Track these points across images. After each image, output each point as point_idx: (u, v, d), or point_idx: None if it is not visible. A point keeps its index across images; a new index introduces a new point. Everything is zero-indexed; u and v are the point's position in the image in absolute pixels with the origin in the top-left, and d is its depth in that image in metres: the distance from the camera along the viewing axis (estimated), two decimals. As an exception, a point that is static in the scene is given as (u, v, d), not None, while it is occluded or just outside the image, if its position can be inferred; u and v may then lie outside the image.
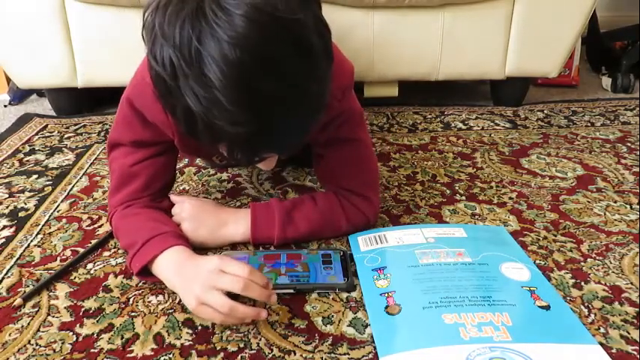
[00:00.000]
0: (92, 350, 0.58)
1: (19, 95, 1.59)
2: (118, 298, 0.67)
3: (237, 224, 0.76)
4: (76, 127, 1.34)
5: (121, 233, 0.73)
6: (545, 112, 1.45)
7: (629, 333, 0.60)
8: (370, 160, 0.82)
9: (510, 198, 0.93)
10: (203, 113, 0.50)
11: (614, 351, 0.57)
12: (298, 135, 0.57)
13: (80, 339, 0.60)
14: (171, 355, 0.57)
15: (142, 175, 0.75)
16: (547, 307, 0.62)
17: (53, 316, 0.63)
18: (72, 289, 0.68)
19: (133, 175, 0.75)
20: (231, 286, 0.58)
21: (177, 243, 0.66)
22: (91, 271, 0.72)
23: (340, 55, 0.72)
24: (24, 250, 0.77)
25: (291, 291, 0.67)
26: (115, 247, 0.78)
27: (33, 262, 0.74)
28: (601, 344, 0.58)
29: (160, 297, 0.66)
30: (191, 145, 0.72)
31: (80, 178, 1.02)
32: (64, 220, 0.86)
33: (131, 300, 0.66)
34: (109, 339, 0.60)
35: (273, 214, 0.75)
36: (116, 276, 0.71)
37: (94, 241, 0.78)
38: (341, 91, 0.71)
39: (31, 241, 0.80)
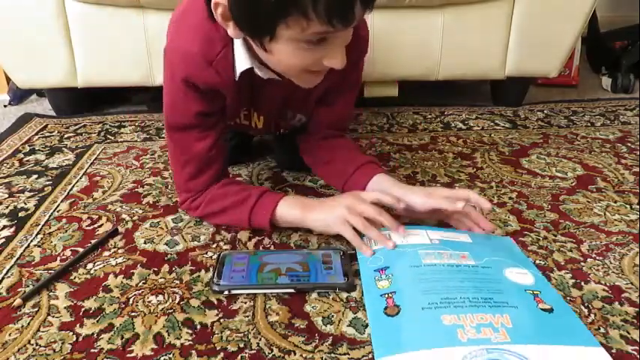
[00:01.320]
0: (92, 350, 0.58)
1: (19, 95, 1.59)
2: (118, 298, 0.66)
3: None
4: (76, 127, 1.34)
5: (225, 202, 0.79)
6: (545, 112, 1.45)
7: (629, 333, 0.60)
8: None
9: (510, 198, 0.93)
10: None
11: (614, 351, 0.57)
12: None
13: (80, 339, 0.60)
14: (171, 355, 0.57)
15: (219, 159, 0.81)
16: (550, 310, 0.61)
17: (53, 316, 0.63)
18: (72, 289, 0.68)
19: (213, 160, 0.80)
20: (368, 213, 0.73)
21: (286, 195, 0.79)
22: (91, 271, 0.72)
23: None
24: (24, 250, 0.77)
25: (292, 290, 0.67)
26: (114, 247, 0.78)
27: (33, 262, 0.74)
28: (601, 344, 0.58)
29: (160, 297, 0.66)
30: (236, 98, 0.79)
31: (80, 178, 1.02)
32: (64, 220, 0.86)
33: (131, 300, 0.66)
34: (109, 339, 0.60)
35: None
36: (116, 276, 0.71)
37: (93, 241, 0.78)
38: (362, 39, 0.82)
39: (31, 241, 0.80)
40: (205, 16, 0.68)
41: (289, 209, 0.77)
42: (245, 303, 0.65)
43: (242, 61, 0.73)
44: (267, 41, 0.63)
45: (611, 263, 0.73)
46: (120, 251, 0.77)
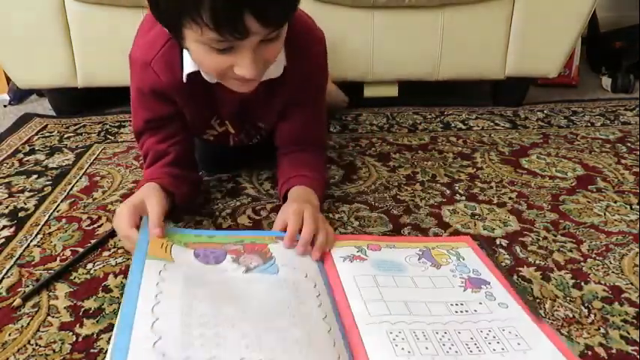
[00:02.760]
0: (92, 350, 0.58)
1: (19, 95, 1.59)
2: (118, 298, 0.66)
3: None
4: (76, 127, 1.34)
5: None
6: (545, 112, 1.45)
7: (629, 333, 0.60)
8: (324, 116, 0.93)
9: (510, 198, 0.93)
10: None
11: (614, 351, 0.57)
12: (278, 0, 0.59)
13: (80, 339, 0.60)
14: (171, 355, 0.57)
15: (171, 152, 0.82)
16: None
17: (53, 316, 0.63)
18: (72, 289, 0.68)
19: (164, 153, 0.82)
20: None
21: (150, 180, 0.78)
22: (91, 271, 0.72)
23: (311, 20, 0.83)
24: (24, 250, 0.77)
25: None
26: (114, 247, 0.78)
27: (33, 262, 0.74)
28: (601, 344, 0.58)
29: (160, 297, 0.66)
30: (191, 104, 0.80)
31: (80, 178, 1.02)
32: (64, 220, 0.86)
33: (131, 300, 0.66)
34: (109, 339, 0.59)
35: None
36: (116, 276, 0.71)
37: (93, 241, 0.78)
38: (312, 44, 0.80)
39: (31, 241, 0.80)
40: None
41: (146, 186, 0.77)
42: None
43: (189, 64, 0.73)
44: (181, 39, 0.64)
45: (611, 263, 0.73)
46: (120, 251, 0.77)
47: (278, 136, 0.91)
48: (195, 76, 0.75)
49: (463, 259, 0.72)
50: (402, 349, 0.53)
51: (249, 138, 0.94)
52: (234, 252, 0.67)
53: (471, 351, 0.54)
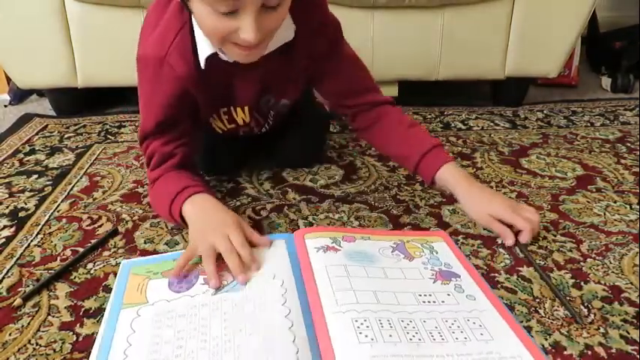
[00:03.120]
0: (92, 350, 0.58)
1: (19, 95, 1.59)
2: (118, 298, 0.66)
3: None
4: (76, 127, 1.34)
5: (157, 195, 0.81)
6: (545, 112, 1.45)
7: (629, 333, 0.60)
8: (361, 62, 0.90)
9: (510, 198, 0.93)
10: None
11: (613, 351, 0.57)
12: None
13: (80, 339, 0.60)
14: (171, 355, 0.57)
15: (178, 154, 0.80)
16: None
17: (53, 316, 0.63)
18: (72, 289, 0.68)
19: (169, 155, 0.79)
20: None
21: (197, 191, 0.75)
22: (91, 271, 0.72)
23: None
24: (24, 250, 0.77)
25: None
26: (114, 247, 0.78)
27: (33, 262, 0.74)
28: (601, 344, 0.58)
29: (160, 297, 0.66)
30: (206, 92, 0.78)
31: (80, 178, 1.02)
32: (64, 220, 0.86)
33: (131, 300, 0.66)
34: (109, 339, 0.60)
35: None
36: (116, 276, 0.71)
37: (93, 241, 0.78)
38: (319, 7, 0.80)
39: (31, 241, 0.80)
40: (162, 5, 0.71)
41: (191, 208, 0.74)
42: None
43: (204, 48, 0.73)
44: (187, 1, 0.65)
45: (610, 263, 0.73)
46: (120, 251, 0.77)
47: (328, 95, 0.91)
48: (213, 61, 0.74)
49: (436, 253, 0.74)
50: (366, 336, 0.55)
51: (259, 126, 0.93)
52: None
53: (434, 339, 0.56)
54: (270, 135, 0.99)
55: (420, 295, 0.63)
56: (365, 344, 0.54)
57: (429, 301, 0.62)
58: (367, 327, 0.56)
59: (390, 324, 0.57)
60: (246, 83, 0.82)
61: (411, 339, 0.55)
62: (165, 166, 0.80)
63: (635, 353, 0.57)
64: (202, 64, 0.74)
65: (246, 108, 0.87)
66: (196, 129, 0.85)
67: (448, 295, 0.64)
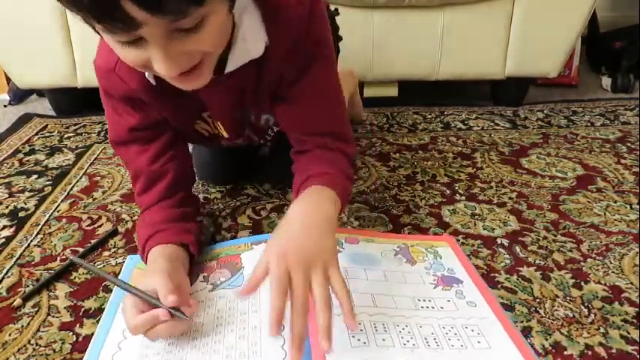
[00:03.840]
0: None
1: (19, 95, 1.59)
2: (118, 298, 0.66)
3: None
4: (76, 127, 1.34)
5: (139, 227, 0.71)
6: (545, 112, 1.45)
7: (629, 333, 0.60)
8: (340, 96, 0.74)
9: (510, 198, 0.93)
10: None
11: (614, 351, 0.57)
12: None
13: (80, 339, 0.60)
14: (171, 355, 0.57)
15: (167, 173, 0.70)
16: None
17: (53, 316, 0.63)
18: (72, 289, 0.68)
19: (159, 175, 0.70)
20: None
21: (157, 243, 0.65)
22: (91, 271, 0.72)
23: None
24: (24, 250, 0.77)
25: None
26: (114, 247, 0.78)
27: (33, 262, 0.74)
28: (601, 344, 0.58)
29: (160, 297, 0.66)
30: (170, 105, 0.68)
31: (80, 178, 1.02)
32: (64, 220, 0.86)
33: (131, 300, 0.66)
34: (109, 339, 0.60)
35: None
36: (116, 276, 0.71)
37: (93, 241, 0.78)
38: (301, 8, 0.63)
39: (31, 241, 0.80)
40: None
41: (152, 259, 0.64)
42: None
43: None
44: (95, 30, 0.50)
45: (611, 263, 0.73)
46: (120, 251, 0.77)
47: (283, 124, 0.75)
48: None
49: (440, 258, 0.73)
50: (359, 340, 0.54)
51: (248, 137, 0.82)
52: (207, 269, 0.69)
53: (428, 345, 0.55)
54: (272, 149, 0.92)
55: (419, 300, 0.63)
56: (357, 348, 0.53)
57: (427, 307, 0.62)
58: (361, 330, 0.56)
59: (384, 328, 0.57)
60: (214, 95, 0.68)
61: (405, 344, 0.55)
62: (156, 190, 0.70)
63: (636, 353, 0.57)
64: (151, 80, 0.63)
65: (220, 124, 0.75)
66: (183, 141, 0.76)
67: (448, 301, 0.63)
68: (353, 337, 0.55)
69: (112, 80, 0.65)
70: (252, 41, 0.62)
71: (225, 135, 0.77)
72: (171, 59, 0.49)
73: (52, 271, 0.71)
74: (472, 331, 0.58)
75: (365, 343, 0.54)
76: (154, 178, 0.70)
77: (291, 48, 0.65)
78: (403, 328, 0.57)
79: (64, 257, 0.75)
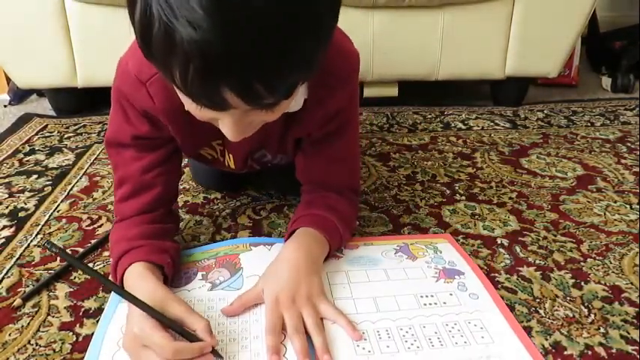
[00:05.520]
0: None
1: (19, 95, 1.59)
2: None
3: None
4: (76, 127, 1.34)
5: (112, 240, 0.68)
6: (545, 112, 1.45)
7: (629, 333, 0.60)
8: (358, 151, 0.79)
9: (510, 198, 0.93)
10: (161, 8, 0.41)
11: (614, 351, 0.57)
12: (270, 73, 0.44)
13: (80, 339, 0.60)
14: (171, 355, 0.57)
15: (158, 184, 0.69)
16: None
17: (53, 316, 0.63)
18: (72, 289, 0.68)
19: (148, 185, 0.68)
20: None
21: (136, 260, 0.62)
22: (91, 271, 0.72)
23: (346, 38, 0.68)
24: (24, 250, 0.77)
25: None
26: (115, 247, 0.78)
27: (33, 262, 0.74)
28: (601, 344, 0.58)
29: (160, 297, 0.66)
30: (185, 132, 0.67)
31: (80, 178, 1.02)
32: (64, 220, 0.86)
33: (131, 300, 0.66)
34: (109, 339, 0.60)
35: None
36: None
37: (93, 241, 0.78)
38: (346, 72, 0.66)
39: (31, 241, 0.80)
40: None
41: (133, 281, 0.60)
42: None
43: None
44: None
45: (611, 263, 0.73)
46: (120, 251, 0.77)
47: (299, 172, 0.77)
48: None
49: (440, 252, 0.73)
50: (363, 348, 0.55)
51: (254, 169, 0.81)
52: (206, 268, 0.68)
53: (432, 345, 0.56)
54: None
55: (422, 297, 0.63)
56: (362, 357, 0.54)
57: (430, 303, 0.62)
58: (365, 339, 0.56)
59: (388, 334, 0.57)
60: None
61: (409, 347, 0.55)
62: (140, 200, 0.68)
63: (636, 353, 0.57)
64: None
65: (232, 157, 0.75)
66: (178, 157, 0.74)
67: (450, 294, 0.64)
68: (357, 346, 0.55)
69: (138, 92, 0.63)
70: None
71: (233, 167, 0.77)
72: (241, 129, 0.52)
73: (52, 271, 0.71)
74: (475, 325, 0.59)
75: (370, 351, 0.55)
76: (142, 188, 0.68)
77: (333, 114, 0.68)
78: (407, 332, 0.57)
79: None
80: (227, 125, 0.51)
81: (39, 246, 0.78)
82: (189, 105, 0.51)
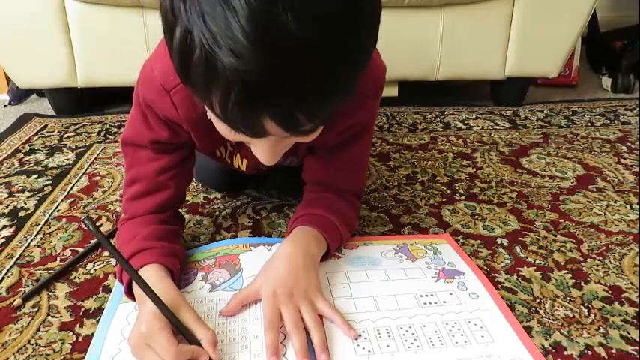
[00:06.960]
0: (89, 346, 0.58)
1: (19, 95, 1.59)
2: (118, 298, 0.66)
3: None
4: (76, 127, 1.34)
5: (119, 241, 0.68)
6: (545, 112, 1.45)
7: (629, 333, 0.60)
8: (368, 158, 0.79)
9: (510, 198, 0.93)
10: (203, 36, 0.40)
11: (614, 351, 0.57)
12: (312, 101, 0.44)
13: (80, 339, 0.60)
14: (171, 355, 0.57)
15: (171, 186, 0.70)
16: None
17: (53, 316, 0.63)
18: (72, 289, 0.68)
19: (162, 186, 0.69)
20: None
21: (149, 261, 0.62)
22: (91, 271, 0.72)
23: (376, 49, 0.65)
24: (24, 250, 0.77)
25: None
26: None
27: (33, 262, 0.74)
28: (601, 344, 0.58)
29: (160, 297, 0.66)
30: (205, 136, 0.66)
31: (80, 178, 1.02)
32: (64, 220, 0.86)
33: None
34: (109, 339, 0.60)
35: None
36: (116, 276, 0.71)
37: (93, 241, 0.78)
38: (373, 88, 0.66)
39: (31, 240, 0.80)
40: None
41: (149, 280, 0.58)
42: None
43: None
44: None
45: (611, 263, 0.73)
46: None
47: (305, 173, 0.77)
48: None
49: (440, 253, 0.73)
50: (363, 348, 0.55)
51: (262, 172, 0.82)
52: (205, 269, 0.68)
53: (433, 344, 0.56)
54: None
55: (422, 296, 0.63)
56: (362, 356, 0.54)
57: (430, 302, 0.62)
58: (365, 338, 0.56)
59: (388, 333, 0.57)
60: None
61: (409, 347, 0.55)
62: (153, 200, 0.69)
63: (636, 353, 0.57)
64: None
65: (245, 161, 0.76)
66: (191, 162, 0.75)
67: (450, 294, 0.64)
68: (357, 345, 0.55)
69: (162, 100, 0.62)
70: None
71: (244, 169, 0.77)
72: (275, 154, 0.53)
73: (52, 271, 0.71)
74: (475, 325, 0.59)
75: (370, 351, 0.55)
76: (156, 188, 0.69)
77: (354, 126, 0.69)
78: (407, 331, 0.58)
79: (64, 257, 0.75)
80: (261, 150, 0.53)
81: (39, 246, 0.78)
82: (223, 129, 0.51)
